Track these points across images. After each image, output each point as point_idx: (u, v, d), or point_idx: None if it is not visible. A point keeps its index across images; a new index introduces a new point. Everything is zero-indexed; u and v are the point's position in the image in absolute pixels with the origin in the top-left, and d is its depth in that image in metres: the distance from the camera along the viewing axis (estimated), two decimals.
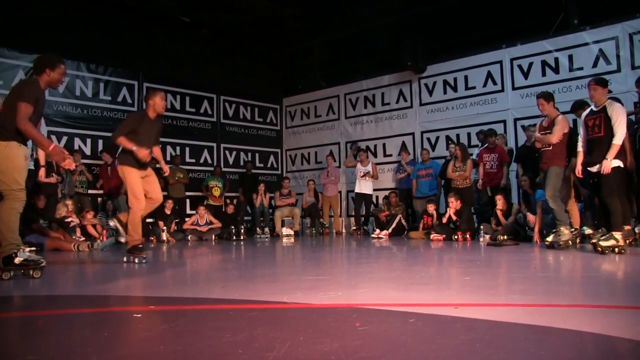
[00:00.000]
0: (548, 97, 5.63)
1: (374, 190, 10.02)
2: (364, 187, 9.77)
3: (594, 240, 4.90)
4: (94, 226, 7.78)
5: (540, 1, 8.92)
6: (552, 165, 5.44)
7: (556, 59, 8.46)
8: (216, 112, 11.54)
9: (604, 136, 4.87)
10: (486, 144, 8.02)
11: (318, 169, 11.60)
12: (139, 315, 2.50)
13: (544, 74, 8.59)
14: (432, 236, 7.59)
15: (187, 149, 10.92)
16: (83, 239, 7.19)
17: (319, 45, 11.98)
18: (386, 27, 10.61)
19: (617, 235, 4.67)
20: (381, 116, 10.89)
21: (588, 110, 5.20)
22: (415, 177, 9.19)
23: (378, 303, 2.61)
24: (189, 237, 8.99)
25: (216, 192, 10.32)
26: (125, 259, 4.94)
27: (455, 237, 7.28)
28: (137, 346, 1.94)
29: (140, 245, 4.89)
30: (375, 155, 10.79)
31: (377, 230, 8.66)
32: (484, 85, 9.31)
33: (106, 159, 9.03)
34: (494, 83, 9.20)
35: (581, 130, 5.27)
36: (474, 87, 9.46)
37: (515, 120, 8.83)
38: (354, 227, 10.06)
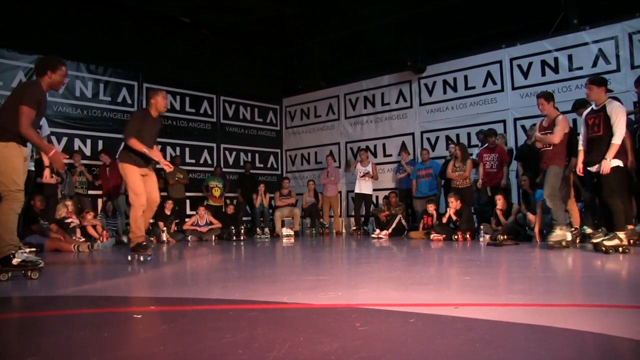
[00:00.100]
0: (548, 97, 5.62)
1: (374, 190, 10.02)
2: (363, 187, 9.77)
3: (595, 240, 4.90)
4: (94, 227, 7.78)
5: (540, 1, 8.92)
6: (552, 165, 5.44)
7: (556, 59, 8.46)
8: (216, 112, 11.54)
9: (603, 135, 4.86)
10: (486, 144, 8.02)
11: (318, 169, 11.60)
12: (139, 316, 2.50)
13: (543, 74, 8.60)
14: (432, 236, 7.59)
15: (187, 150, 10.92)
16: (83, 239, 7.19)
17: (319, 45, 11.97)
18: (386, 27, 10.61)
19: (621, 234, 4.66)
20: (381, 116, 10.89)
21: (589, 108, 5.19)
22: (415, 177, 9.19)
23: (378, 303, 2.61)
24: (189, 238, 8.98)
25: (216, 193, 10.32)
26: (129, 258, 4.94)
27: (455, 237, 7.28)
28: (137, 347, 1.94)
29: (144, 243, 4.88)
30: (375, 155, 10.79)
31: (377, 230, 8.66)
32: (484, 85, 9.31)
33: (104, 160, 9.03)
34: (494, 83, 9.20)
35: (582, 129, 5.27)
36: (473, 87, 9.46)
37: (515, 120, 8.82)
38: (354, 227, 10.06)
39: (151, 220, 8.68)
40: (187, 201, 10.42)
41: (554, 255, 4.90)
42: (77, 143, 9.25)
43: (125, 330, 2.22)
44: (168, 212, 8.87)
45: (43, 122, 4.96)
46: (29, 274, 3.73)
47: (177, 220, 9.17)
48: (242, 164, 11.62)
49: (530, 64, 8.73)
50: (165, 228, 8.51)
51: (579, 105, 6.06)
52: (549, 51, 8.52)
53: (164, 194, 9.30)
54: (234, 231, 8.89)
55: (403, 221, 8.88)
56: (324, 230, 10.28)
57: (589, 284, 3.37)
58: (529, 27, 8.85)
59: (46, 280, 3.81)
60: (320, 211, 10.47)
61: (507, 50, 9.02)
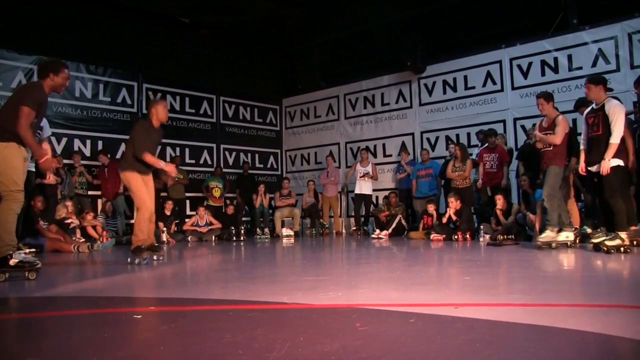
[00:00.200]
0: (548, 97, 5.61)
1: (374, 190, 10.02)
2: (363, 187, 9.77)
3: (595, 240, 4.89)
4: (94, 227, 7.79)
5: (540, 1, 8.93)
6: (552, 165, 5.44)
7: (555, 59, 8.46)
8: (216, 112, 11.54)
9: (602, 135, 4.85)
10: (486, 144, 8.02)
11: (318, 170, 11.60)
12: (139, 316, 2.50)
13: (543, 74, 8.60)
14: (432, 236, 7.59)
15: (187, 150, 10.92)
16: (83, 240, 7.19)
17: (319, 45, 11.97)
18: (386, 27, 10.61)
19: (623, 234, 4.66)
20: (381, 116, 10.89)
21: (589, 107, 5.17)
22: (415, 177, 9.18)
23: (378, 303, 2.61)
24: (189, 238, 8.98)
25: (216, 193, 10.32)
26: (129, 260, 4.95)
27: (455, 237, 7.28)
28: (137, 347, 1.94)
29: (143, 246, 4.90)
30: (375, 155, 10.79)
31: (377, 231, 8.65)
32: (484, 85, 9.31)
33: (103, 161, 9.03)
34: (494, 83, 9.20)
35: (583, 128, 5.26)
36: (473, 87, 9.46)
37: (515, 120, 8.83)
38: (354, 228, 10.06)
39: None
40: (187, 201, 10.42)
41: (554, 255, 4.90)
42: (77, 143, 9.25)
43: (125, 330, 2.22)
44: (168, 213, 8.87)
45: (44, 123, 4.98)
46: (26, 274, 3.73)
47: (177, 221, 9.16)
48: (242, 164, 11.62)
49: (530, 64, 8.73)
50: (165, 228, 8.50)
51: (581, 104, 6.04)
52: (549, 51, 8.52)
53: (164, 194, 9.32)
54: (234, 231, 8.89)
55: (403, 221, 8.88)
56: (324, 231, 10.27)
57: (589, 284, 3.37)
58: (529, 27, 8.86)
59: (46, 280, 3.81)
60: (320, 211, 10.47)
61: (507, 50, 9.02)
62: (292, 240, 9.00)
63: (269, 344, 1.78)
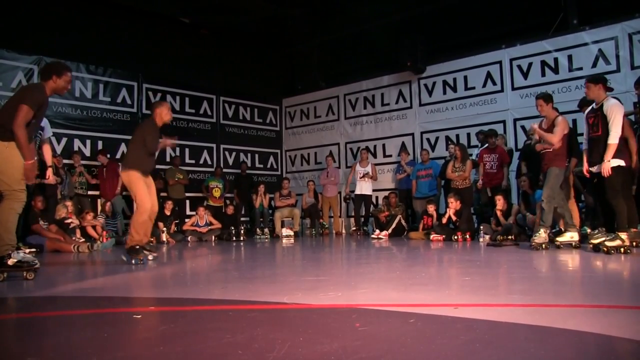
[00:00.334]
0: (547, 98, 5.59)
1: (374, 190, 10.03)
2: (363, 188, 9.77)
3: (595, 241, 4.89)
4: (93, 227, 7.78)
5: (540, 1, 8.93)
6: (552, 166, 5.43)
7: (555, 59, 8.47)
8: (216, 112, 11.54)
9: (601, 135, 4.84)
10: (486, 144, 8.02)
11: (318, 170, 11.60)
12: (139, 316, 2.50)
13: (543, 74, 8.60)
14: (432, 236, 7.59)
15: (187, 150, 10.92)
16: (83, 240, 7.19)
17: (319, 45, 11.98)
18: (386, 27, 10.62)
19: (623, 235, 4.65)
20: (381, 117, 10.89)
21: (590, 107, 5.15)
22: (415, 177, 9.18)
23: (378, 304, 2.61)
24: (189, 238, 8.98)
25: (216, 193, 10.32)
26: (123, 258, 4.93)
27: (455, 237, 7.28)
28: (137, 347, 1.94)
29: (137, 247, 4.90)
30: (375, 155, 10.80)
31: (377, 231, 8.66)
32: (484, 86, 9.32)
33: (102, 161, 9.03)
34: (494, 83, 9.20)
35: (584, 128, 5.26)
36: (473, 88, 9.46)
37: (515, 120, 8.83)
38: (354, 228, 10.06)
39: None
40: (187, 201, 10.42)
41: (554, 255, 4.90)
42: (77, 143, 9.25)
43: (125, 330, 2.22)
44: (168, 213, 8.87)
45: (46, 123, 4.97)
46: (25, 274, 3.72)
47: (176, 221, 9.17)
48: (240, 164, 11.61)
49: (530, 64, 8.74)
50: (165, 228, 8.51)
51: (584, 103, 6.02)
52: (549, 51, 8.52)
53: (164, 194, 9.31)
54: (233, 232, 8.89)
55: (403, 222, 8.88)
56: (324, 231, 10.27)
57: (588, 285, 3.36)
58: (529, 27, 8.86)
59: (46, 280, 3.81)
60: (320, 212, 10.47)
61: (507, 51, 9.02)
62: (292, 240, 9.00)
63: (268, 344, 1.78)
